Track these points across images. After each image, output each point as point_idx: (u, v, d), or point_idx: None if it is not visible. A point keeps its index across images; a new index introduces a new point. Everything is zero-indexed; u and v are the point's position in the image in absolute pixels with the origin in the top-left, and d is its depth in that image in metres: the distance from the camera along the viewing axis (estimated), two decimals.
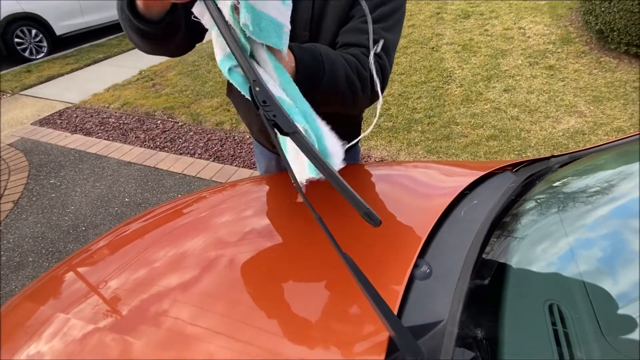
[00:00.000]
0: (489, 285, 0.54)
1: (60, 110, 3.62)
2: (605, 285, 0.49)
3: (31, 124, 3.41)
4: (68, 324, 0.64)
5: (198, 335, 0.55)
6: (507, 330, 0.47)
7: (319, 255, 0.67)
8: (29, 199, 2.45)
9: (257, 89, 0.49)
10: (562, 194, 0.67)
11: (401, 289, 0.54)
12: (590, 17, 3.67)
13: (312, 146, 0.47)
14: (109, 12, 5.95)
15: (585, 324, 0.47)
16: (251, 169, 2.63)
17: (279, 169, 1.13)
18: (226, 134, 3.02)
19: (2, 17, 4.73)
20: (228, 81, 0.88)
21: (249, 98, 0.51)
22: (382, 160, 2.61)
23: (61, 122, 3.40)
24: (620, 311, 0.46)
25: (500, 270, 0.55)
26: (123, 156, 2.83)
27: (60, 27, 5.43)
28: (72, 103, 3.77)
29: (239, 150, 2.82)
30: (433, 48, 4.03)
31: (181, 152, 2.85)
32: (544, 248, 0.56)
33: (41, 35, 5.21)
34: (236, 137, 2.97)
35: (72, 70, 4.63)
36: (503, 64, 3.60)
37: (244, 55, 0.50)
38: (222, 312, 0.59)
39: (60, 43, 5.45)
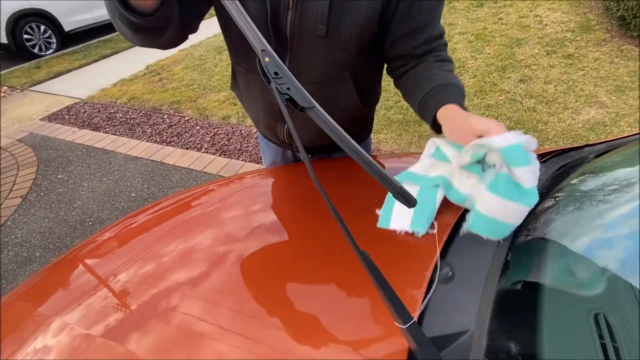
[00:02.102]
0: (521, 290, 0.47)
1: (68, 106, 3.63)
2: None
3: (40, 119, 3.42)
4: (75, 317, 0.61)
5: (208, 331, 0.52)
6: (546, 344, 0.41)
7: (329, 251, 0.62)
8: (37, 194, 2.45)
9: (267, 59, 0.44)
10: (601, 187, 0.59)
11: (421, 293, 0.48)
12: (611, 3, 3.49)
13: (331, 121, 0.43)
14: None
15: (636, 336, 0.40)
16: (258, 163, 2.58)
17: (284, 163, 1.08)
18: (233, 128, 2.98)
19: (10, 14, 4.76)
20: (233, 74, 0.83)
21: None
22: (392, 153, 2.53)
23: (69, 118, 3.40)
24: None
25: (535, 274, 0.48)
26: (130, 151, 2.81)
27: (69, 23, 5.45)
28: (80, 98, 3.77)
29: (245, 145, 2.77)
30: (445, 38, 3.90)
31: (188, 146, 2.82)
32: (584, 248, 0.49)
33: (50, 32, 5.23)
34: (243, 131, 2.92)
35: (81, 66, 4.64)
36: (518, 53, 3.46)
37: (252, 27, 0.45)
38: (232, 308, 0.56)
39: (68, 39, 5.47)
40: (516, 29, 3.84)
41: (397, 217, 0.60)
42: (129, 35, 0.62)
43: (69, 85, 4.13)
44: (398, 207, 0.61)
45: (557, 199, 0.61)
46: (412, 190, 0.61)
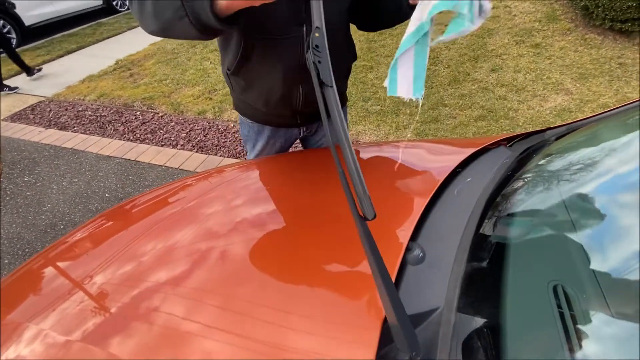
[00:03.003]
0: (487, 268, 0.50)
1: (32, 105, 3.44)
2: (612, 262, 0.45)
3: (2, 119, 3.23)
4: (49, 324, 0.58)
5: (193, 331, 0.51)
6: (509, 316, 0.43)
7: (314, 241, 0.62)
8: (2, 199, 2.32)
9: (317, 35, 0.51)
10: (561, 167, 0.62)
11: (393, 274, 0.49)
12: None
13: (338, 105, 0.48)
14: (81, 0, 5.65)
15: (592, 304, 0.43)
16: (237, 158, 2.55)
17: (273, 151, 1.08)
18: (209, 123, 2.92)
19: None
20: (242, 54, 0.82)
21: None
22: None
23: (34, 117, 3.23)
24: (629, 289, 0.42)
25: (499, 252, 0.50)
26: (101, 150, 2.71)
27: (30, 17, 5.14)
28: (45, 97, 3.58)
29: (223, 140, 2.72)
30: None
31: (163, 143, 2.74)
32: (544, 225, 0.52)
33: (9, 26, 4.92)
34: (220, 126, 2.87)
35: (44, 62, 4.40)
36: (490, 43, 3.55)
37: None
38: (218, 305, 0.55)
39: (30, 34, 5.16)
40: (487, 19, 3.93)
41: (401, 85, 0.69)
42: (189, 35, 0.62)
43: (32, 83, 3.91)
44: (401, 76, 0.69)
45: (521, 180, 0.64)
46: (409, 57, 0.68)
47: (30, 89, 3.78)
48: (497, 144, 0.75)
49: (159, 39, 4.63)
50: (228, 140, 2.72)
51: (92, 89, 3.59)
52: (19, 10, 4.95)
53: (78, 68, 4.15)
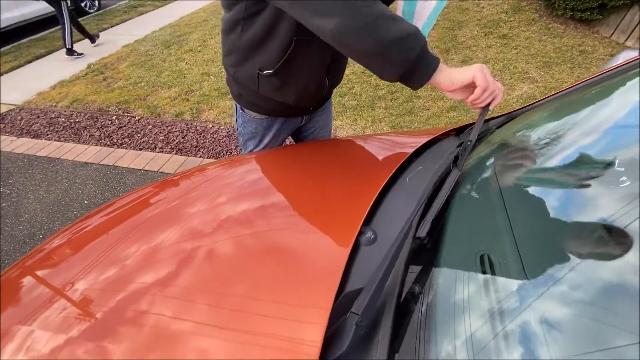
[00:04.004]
0: (430, 245, 0.56)
1: (2, 114, 3.35)
2: (532, 233, 0.52)
3: None
4: (31, 336, 0.56)
5: (184, 330, 0.51)
6: (442, 283, 0.50)
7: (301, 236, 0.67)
8: None
9: None
10: (497, 153, 0.70)
11: (346, 253, 0.55)
12: None
13: None
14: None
15: (511, 268, 0.50)
16: (216, 158, 2.57)
17: (278, 143, 1.12)
18: (187, 125, 2.92)
19: None
20: (289, 54, 0.81)
21: None
22: None
23: (4, 126, 3.15)
24: (543, 254, 0.50)
25: (441, 231, 0.57)
26: (78, 157, 2.68)
27: None
28: (14, 104, 3.48)
29: (202, 141, 2.74)
30: None
31: (141, 147, 2.73)
32: (479, 204, 0.59)
33: None
34: (198, 127, 2.88)
35: (12, 69, 4.26)
36: (460, 35, 3.67)
37: None
38: (208, 304, 0.55)
39: None
40: (457, 12, 4.05)
41: (417, 21, 0.89)
42: (380, 68, 0.64)
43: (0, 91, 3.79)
44: (417, 15, 0.86)
45: (465, 167, 0.71)
46: (430, 4, 0.87)
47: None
48: (447, 134, 0.82)
49: (132, 40, 4.56)
50: (207, 141, 2.74)
51: (64, 95, 3.52)
52: None
53: (48, 73, 4.04)
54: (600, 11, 3.33)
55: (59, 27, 5.53)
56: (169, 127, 2.91)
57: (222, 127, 2.86)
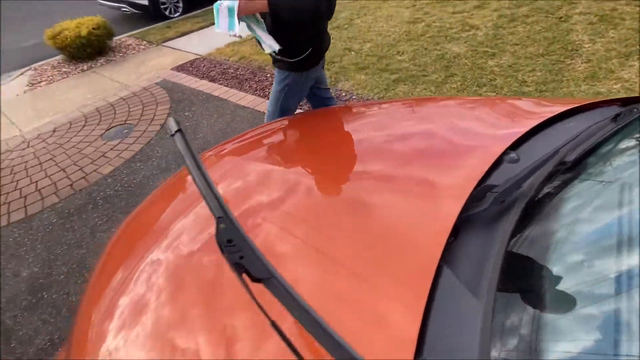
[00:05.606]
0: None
1: (191, 60, 4.33)
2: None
3: (171, 69, 4.17)
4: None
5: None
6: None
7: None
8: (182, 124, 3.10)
9: (223, 225, 0.43)
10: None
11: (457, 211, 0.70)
12: None
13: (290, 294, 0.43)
14: None
15: None
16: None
17: (305, 88, 1.81)
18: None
19: None
20: (312, 47, 1.54)
21: None
22: None
23: (192, 70, 4.08)
24: None
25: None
26: (239, 101, 3.33)
27: None
28: (200, 55, 4.45)
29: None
30: (561, 18, 3.63)
31: None
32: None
33: None
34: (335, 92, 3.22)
35: (200, 28, 5.38)
36: None
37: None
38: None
39: (192, 4, 6.31)
40: None
41: (221, 24, 1.32)
42: None
43: (191, 44, 4.86)
44: (221, 17, 1.25)
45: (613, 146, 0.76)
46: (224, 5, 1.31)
47: (191, 47, 4.72)
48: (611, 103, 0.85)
49: None
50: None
51: (235, 52, 4.32)
52: None
53: (225, 34, 4.96)
54: None
55: None
56: None
57: (354, 97, 3.14)
